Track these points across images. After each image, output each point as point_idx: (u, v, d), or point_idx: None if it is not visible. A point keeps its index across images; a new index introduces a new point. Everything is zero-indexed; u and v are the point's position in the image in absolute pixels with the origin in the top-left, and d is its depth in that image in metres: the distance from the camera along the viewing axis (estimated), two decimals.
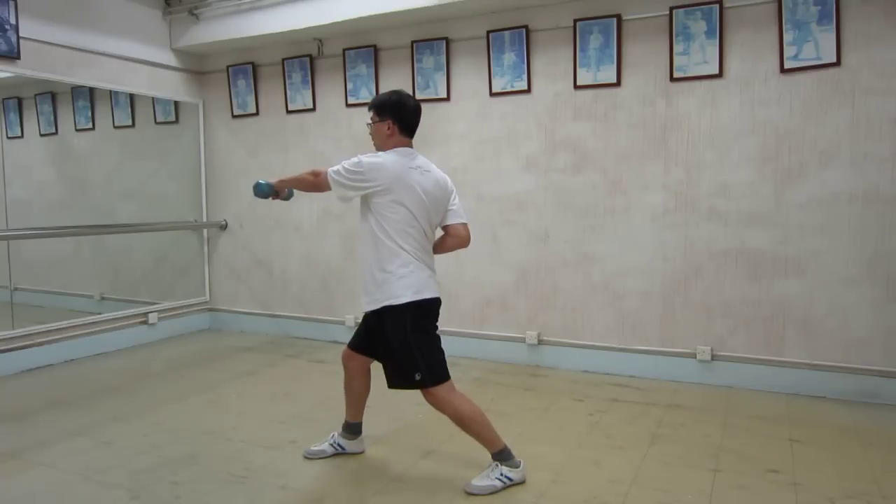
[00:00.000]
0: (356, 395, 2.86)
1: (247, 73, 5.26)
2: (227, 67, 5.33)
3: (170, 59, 5.21)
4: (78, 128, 4.95)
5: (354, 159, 2.50)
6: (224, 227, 5.56)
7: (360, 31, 4.72)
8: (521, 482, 2.57)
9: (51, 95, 4.80)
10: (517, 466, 2.57)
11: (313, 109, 5.05)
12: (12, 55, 4.11)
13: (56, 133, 4.90)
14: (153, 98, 5.21)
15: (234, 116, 5.41)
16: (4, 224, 4.29)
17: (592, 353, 4.18)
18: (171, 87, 5.29)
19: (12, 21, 4.09)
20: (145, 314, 5.10)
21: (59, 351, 4.48)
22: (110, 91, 4.90)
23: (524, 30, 4.21)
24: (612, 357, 4.13)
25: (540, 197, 4.29)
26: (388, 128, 2.58)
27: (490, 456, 2.57)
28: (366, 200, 2.54)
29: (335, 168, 2.52)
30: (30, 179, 4.81)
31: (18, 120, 4.72)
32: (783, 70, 3.61)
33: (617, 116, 4.04)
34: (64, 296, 5.06)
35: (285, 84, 5.11)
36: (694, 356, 3.91)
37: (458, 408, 2.53)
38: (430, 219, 2.57)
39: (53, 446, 3.02)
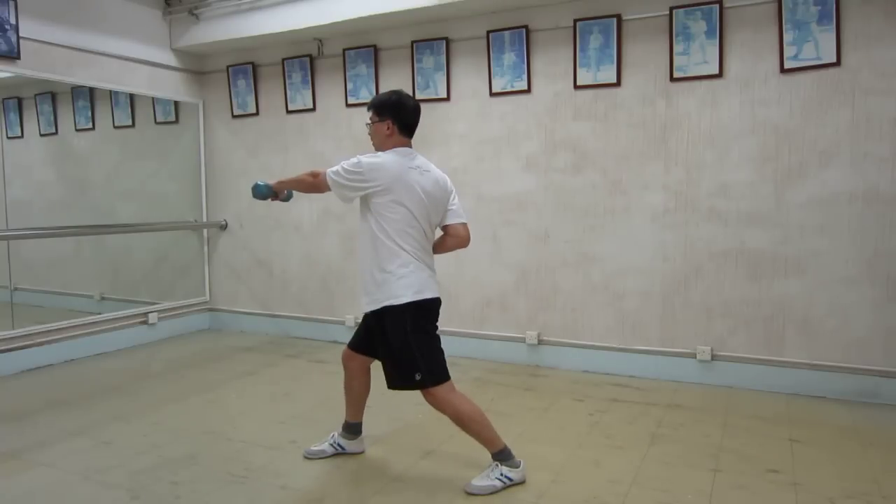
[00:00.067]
0: (356, 395, 2.86)
1: (247, 73, 5.26)
2: (227, 67, 5.33)
3: (170, 59, 5.21)
4: (78, 128, 4.95)
5: (354, 160, 2.50)
6: (224, 227, 5.56)
7: (360, 31, 4.72)
8: (521, 482, 2.57)
9: (51, 95, 4.80)
10: (517, 466, 2.57)
11: (313, 109, 5.05)
12: (12, 55, 4.12)
13: (56, 133, 4.90)
14: (153, 98, 5.21)
15: (234, 116, 5.41)
16: (4, 224, 4.29)
17: (592, 353, 4.18)
18: (171, 87, 5.29)
19: (12, 21, 4.09)
20: (145, 314, 5.11)
21: (59, 351, 4.48)
22: (110, 91, 4.90)
23: (524, 30, 4.21)
24: (612, 357, 4.13)
25: (540, 197, 4.29)
26: (388, 128, 2.58)
27: (490, 456, 2.57)
28: (365, 201, 2.54)
29: (334, 169, 2.52)
30: (30, 179, 4.81)
31: (18, 120, 4.72)
32: (783, 70, 3.61)
33: (617, 116, 4.04)
34: (64, 296, 5.06)
35: (285, 84, 5.11)
36: (694, 356, 3.91)
37: (458, 408, 2.53)
38: (429, 219, 2.57)
39: (53, 446, 3.02)
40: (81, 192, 5.03)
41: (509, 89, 4.31)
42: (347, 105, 4.89)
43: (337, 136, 4.97)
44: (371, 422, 2.99)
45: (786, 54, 3.59)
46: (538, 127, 4.26)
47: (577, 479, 2.64)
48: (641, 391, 3.78)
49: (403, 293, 2.48)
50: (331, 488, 2.61)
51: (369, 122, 2.64)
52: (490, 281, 4.48)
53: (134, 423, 3.31)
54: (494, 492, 2.50)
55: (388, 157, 2.52)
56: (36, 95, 4.78)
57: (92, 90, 4.83)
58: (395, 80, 4.61)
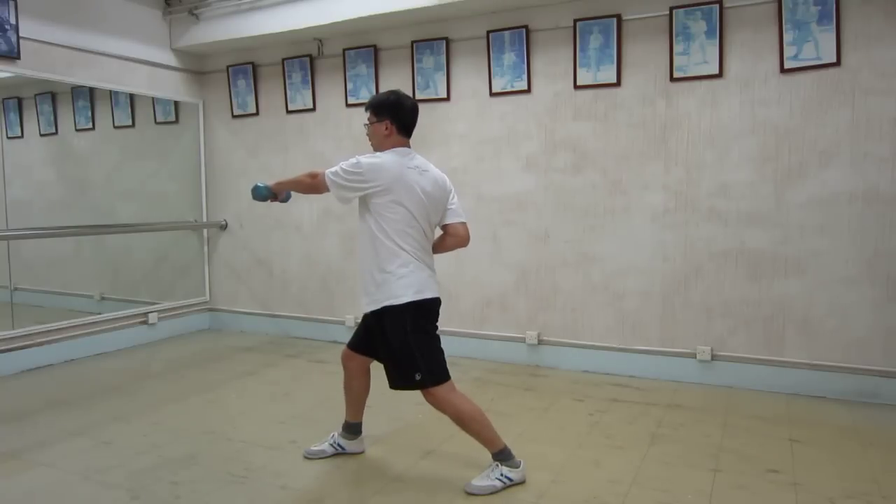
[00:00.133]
0: (356, 395, 2.85)
1: (247, 73, 5.26)
2: (227, 67, 5.33)
3: (170, 59, 5.21)
4: (78, 128, 4.95)
5: (353, 160, 2.50)
6: (224, 227, 5.56)
7: (360, 31, 4.72)
8: (521, 482, 2.57)
9: (51, 95, 4.80)
10: (517, 466, 2.57)
11: (313, 109, 5.05)
12: (12, 55, 4.12)
13: (56, 133, 4.90)
14: (153, 98, 5.21)
15: (234, 116, 5.41)
16: (4, 224, 4.29)
17: (592, 353, 4.18)
18: (171, 87, 5.29)
19: (12, 21, 4.09)
20: (145, 314, 5.11)
21: (59, 351, 4.48)
22: (110, 91, 4.90)
23: (524, 30, 4.21)
24: (612, 357, 4.13)
25: (540, 197, 4.29)
26: (386, 128, 2.58)
27: (490, 456, 2.57)
28: (365, 201, 2.54)
29: (333, 169, 2.52)
30: (30, 179, 4.81)
31: (18, 120, 4.72)
32: (783, 70, 3.61)
33: (617, 116, 4.04)
34: (64, 296, 5.07)
35: (285, 84, 5.11)
36: (694, 356, 3.91)
37: (458, 408, 2.53)
38: (429, 218, 2.57)
39: (53, 446, 3.02)
40: (81, 192, 5.03)
41: (509, 89, 4.31)
42: (347, 105, 4.89)
43: (337, 136, 4.97)
44: (371, 422, 2.99)
45: (786, 54, 3.59)
46: (538, 127, 4.26)
47: (577, 479, 2.64)
48: (641, 391, 3.78)
49: (403, 293, 2.48)
50: (331, 488, 2.61)
51: (367, 122, 2.64)
52: (490, 281, 4.48)
53: (134, 423, 3.31)
54: (494, 492, 2.50)
55: (388, 158, 2.52)
56: (36, 95, 4.78)
57: (92, 90, 4.83)
58: (395, 80, 4.61)
